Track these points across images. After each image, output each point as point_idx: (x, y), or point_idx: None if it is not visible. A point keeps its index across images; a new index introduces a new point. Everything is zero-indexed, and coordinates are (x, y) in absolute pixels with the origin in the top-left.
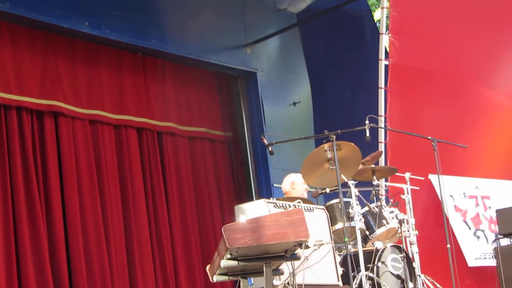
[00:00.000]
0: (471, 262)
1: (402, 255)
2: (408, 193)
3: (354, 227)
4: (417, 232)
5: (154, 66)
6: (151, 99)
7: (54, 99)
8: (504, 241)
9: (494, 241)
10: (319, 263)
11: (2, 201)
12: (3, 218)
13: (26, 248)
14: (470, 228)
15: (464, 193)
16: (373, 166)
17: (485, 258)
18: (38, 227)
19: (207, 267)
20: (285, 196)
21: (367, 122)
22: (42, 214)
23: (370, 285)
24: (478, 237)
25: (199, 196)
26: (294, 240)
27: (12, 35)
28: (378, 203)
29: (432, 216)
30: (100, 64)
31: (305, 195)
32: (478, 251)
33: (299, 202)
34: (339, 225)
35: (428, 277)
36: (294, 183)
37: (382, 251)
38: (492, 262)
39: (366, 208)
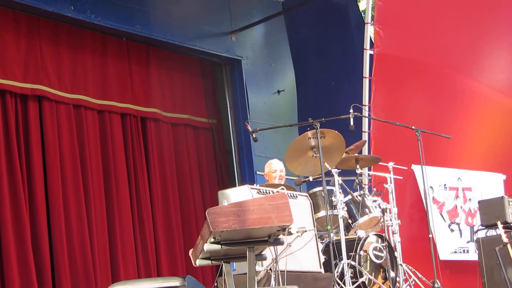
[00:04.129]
0: (444, 256)
1: (384, 244)
2: (391, 183)
3: (337, 215)
4: (399, 221)
5: (139, 52)
6: (135, 85)
7: (38, 83)
8: (483, 233)
9: (475, 232)
10: (301, 250)
11: None
12: None
13: (8, 231)
14: (445, 221)
15: (444, 185)
16: (356, 155)
17: (455, 252)
18: (20, 210)
19: (190, 251)
20: (268, 183)
21: (351, 111)
22: (24, 197)
23: (351, 273)
24: (452, 230)
25: (181, 182)
26: (278, 225)
27: None
28: (361, 192)
29: (413, 206)
30: (85, 48)
31: (280, 182)
32: (451, 245)
33: (283, 188)
34: (322, 213)
35: (410, 267)
36: (266, 175)
37: (365, 240)
38: (465, 257)
39: (349, 197)
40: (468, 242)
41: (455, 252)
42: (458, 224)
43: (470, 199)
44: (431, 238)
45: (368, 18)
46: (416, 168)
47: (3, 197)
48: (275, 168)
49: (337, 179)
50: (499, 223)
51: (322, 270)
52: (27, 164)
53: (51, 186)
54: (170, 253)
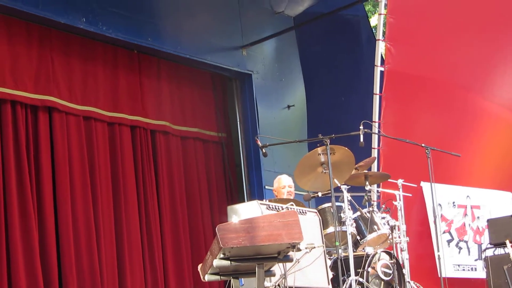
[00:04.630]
0: (446, 273)
1: (392, 261)
2: (400, 200)
3: (346, 231)
4: (408, 238)
5: (150, 65)
6: (145, 98)
7: (49, 94)
8: (491, 251)
9: (484, 250)
10: (310, 266)
11: None
12: None
13: (16, 241)
14: (453, 239)
15: (453, 202)
16: (366, 171)
17: (463, 270)
18: (29, 221)
19: (199, 266)
20: (277, 198)
21: (361, 127)
22: (33, 208)
23: None
24: (460, 248)
25: (190, 196)
26: (288, 242)
27: (9, 29)
28: (370, 209)
29: (422, 223)
30: (96, 60)
31: (289, 197)
32: (457, 262)
33: (292, 204)
34: (330, 229)
35: (418, 284)
36: (275, 190)
37: (373, 257)
38: (472, 275)
39: (358, 213)
40: (476, 260)
41: (463, 270)
42: (466, 242)
43: (478, 217)
44: (438, 255)
45: (379, 35)
46: (424, 185)
47: (12, 207)
48: (284, 184)
49: (346, 196)
50: (507, 241)
51: (330, 286)
52: (36, 175)
53: (60, 197)
54: (178, 267)
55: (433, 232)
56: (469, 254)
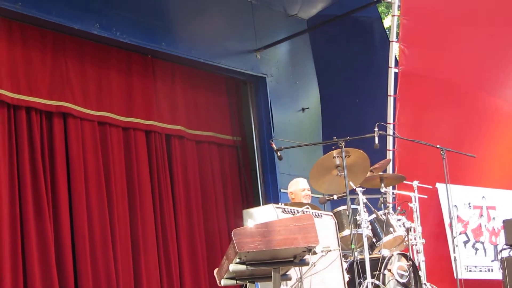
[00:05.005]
0: (464, 274)
1: (408, 263)
2: (415, 201)
3: (361, 234)
4: (424, 240)
5: (164, 69)
6: (160, 102)
7: (63, 100)
8: (507, 252)
9: (500, 251)
10: (326, 270)
11: (10, 200)
12: (11, 218)
13: (32, 248)
14: (469, 240)
15: (469, 203)
16: (381, 173)
17: (480, 271)
18: (45, 227)
19: (215, 271)
20: (293, 201)
21: (376, 129)
22: (49, 215)
23: None
24: (477, 249)
25: (206, 200)
26: (304, 246)
27: (23, 36)
28: (386, 211)
29: (438, 225)
30: (110, 66)
31: (305, 201)
32: (473, 263)
33: (308, 208)
34: (346, 232)
35: (434, 286)
36: (292, 193)
37: (389, 259)
38: (489, 275)
39: (374, 216)
40: (492, 261)
41: (480, 271)
42: (482, 243)
43: (494, 218)
44: (454, 257)
45: (393, 36)
46: (440, 186)
47: (28, 213)
48: (303, 187)
49: (362, 198)
50: None
51: None
52: (52, 181)
53: (76, 202)
54: (194, 271)
55: (448, 233)
56: (485, 255)
